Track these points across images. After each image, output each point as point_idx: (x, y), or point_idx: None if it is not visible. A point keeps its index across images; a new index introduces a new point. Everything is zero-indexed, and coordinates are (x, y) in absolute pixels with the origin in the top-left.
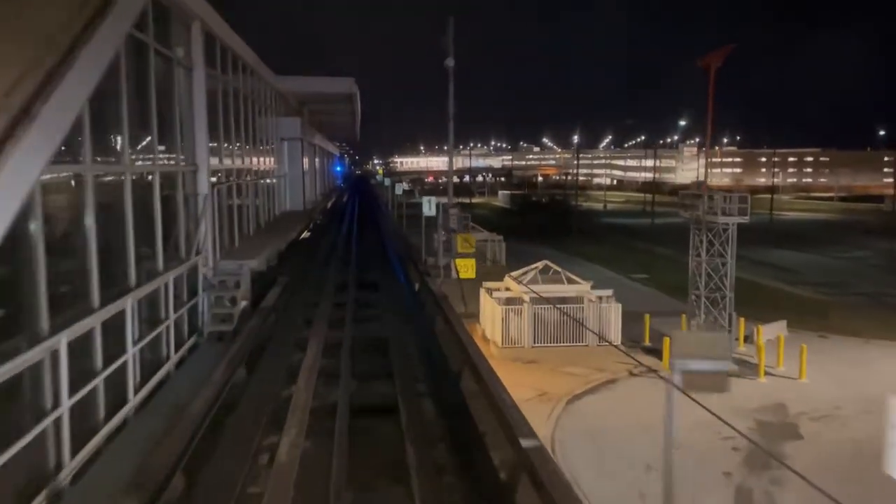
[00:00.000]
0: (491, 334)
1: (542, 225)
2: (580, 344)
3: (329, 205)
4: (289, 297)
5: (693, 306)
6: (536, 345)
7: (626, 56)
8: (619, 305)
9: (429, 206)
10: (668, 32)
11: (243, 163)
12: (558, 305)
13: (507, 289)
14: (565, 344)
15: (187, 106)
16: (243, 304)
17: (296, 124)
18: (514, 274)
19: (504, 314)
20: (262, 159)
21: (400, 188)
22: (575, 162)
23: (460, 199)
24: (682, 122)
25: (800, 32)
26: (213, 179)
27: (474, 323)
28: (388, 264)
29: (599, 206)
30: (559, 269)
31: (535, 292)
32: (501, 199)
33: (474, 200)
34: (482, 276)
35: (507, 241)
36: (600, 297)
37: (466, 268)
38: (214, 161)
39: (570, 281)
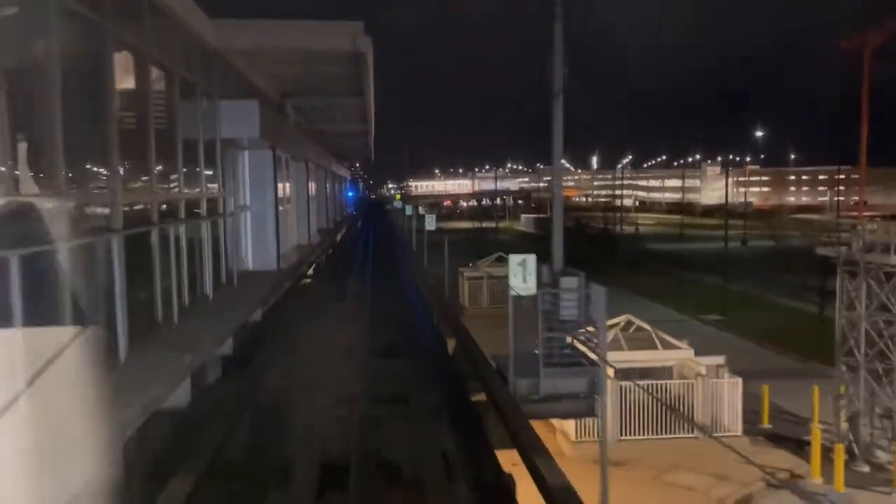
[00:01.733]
0: (558, 422)
1: (577, 252)
2: (686, 435)
3: (329, 247)
4: None
5: (845, 380)
6: (624, 437)
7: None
8: (740, 380)
9: (522, 276)
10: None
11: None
12: (653, 381)
13: None
14: (665, 435)
15: None
16: None
17: (251, 112)
18: None
19: None
20: (165, 186)
21: (431, 221)
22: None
23: (482, 224)
24: (759, 133)
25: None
26: None
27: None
28: (434, 419)
29: (631, 229)
30: (646, 327)
31: (608, 362)
32: (524, 223)
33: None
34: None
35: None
36: (706, 367)
37: None
38: None
39: (665, 344)
